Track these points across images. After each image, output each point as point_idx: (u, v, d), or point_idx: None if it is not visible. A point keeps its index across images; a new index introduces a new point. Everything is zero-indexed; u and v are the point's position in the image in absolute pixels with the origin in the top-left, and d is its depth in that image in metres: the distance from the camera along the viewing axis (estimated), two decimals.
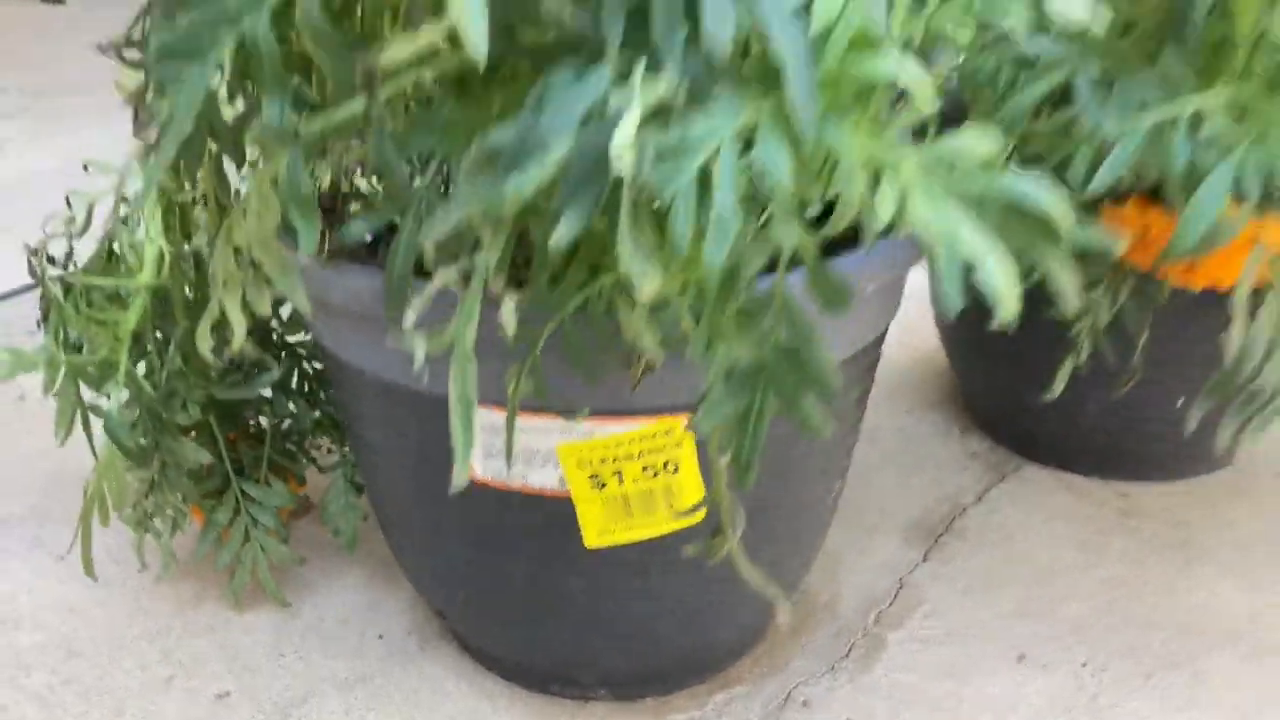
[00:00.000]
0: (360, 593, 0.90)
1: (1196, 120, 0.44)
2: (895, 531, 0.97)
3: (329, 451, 0.93)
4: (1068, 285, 0.37)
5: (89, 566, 0.77)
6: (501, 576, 0.72)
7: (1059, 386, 0.79)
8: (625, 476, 0.65)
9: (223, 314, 0.51)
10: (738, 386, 0.45)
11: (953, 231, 0.35)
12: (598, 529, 0.68)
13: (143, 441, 0.70)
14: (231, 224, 0.47)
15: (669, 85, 0.35)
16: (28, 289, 1.41)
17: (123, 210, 0.78)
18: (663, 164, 0.36)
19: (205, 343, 0.51)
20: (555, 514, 0.67)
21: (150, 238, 0.75)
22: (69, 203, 0.81)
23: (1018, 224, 0.38)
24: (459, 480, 0.43)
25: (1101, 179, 0.44)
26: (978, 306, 0.36)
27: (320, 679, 0.82)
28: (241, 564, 0.86)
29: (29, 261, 0.77)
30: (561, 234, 0.36)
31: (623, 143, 0.35)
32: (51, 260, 0.79)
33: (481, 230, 0.40)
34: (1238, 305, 0.48)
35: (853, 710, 0.79)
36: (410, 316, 0.43)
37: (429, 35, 0.36)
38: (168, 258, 0.75)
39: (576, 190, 0.36)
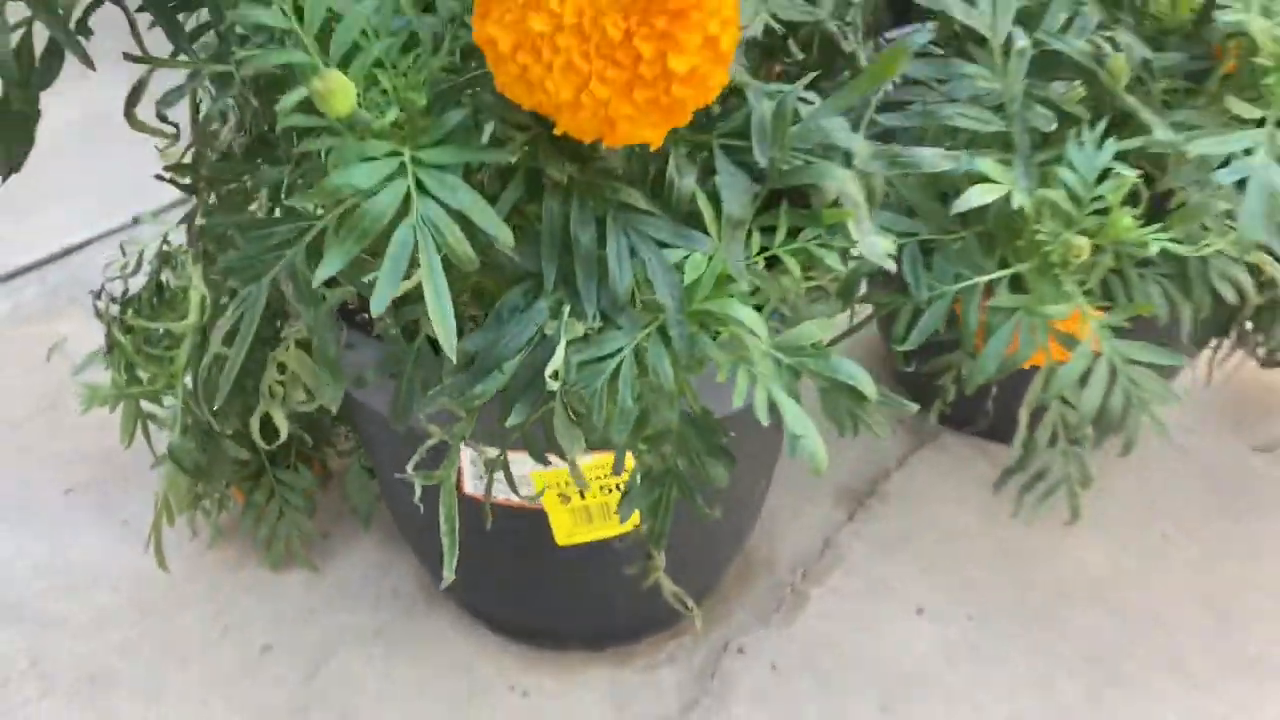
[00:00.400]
0: (375, 556, 1.08)
1: (989, 288, 0.59)
2: (827, 495, 1.14)
3: (346, 438, 1.09)
4: (879, 431, 0.54)
5: (162, 561, 0.95)
6: (492, 562, 0.90)
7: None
8: (586, 493, 0.82)
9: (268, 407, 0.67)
10: (650, 485, 0.61)
11: (783, 404, 0.51)
12: (566, 531, 0.85)
13: (198, 458, 0.87)
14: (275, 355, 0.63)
15: (587, 323, 0.51)
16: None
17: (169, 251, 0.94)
18: (584, 371, 0.52)
19: (256, 435, 0.67)
20: (532, 520, 0.84)
21: (194, 285, 0.90)
22: (123, 250, 0.96)
23: (840, 391, 0.54)
24: (448, 578, 0.60)
25: (916, 336, 0.59)
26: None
27: (345, 631, 1.01)
28: (277, 536, 1.04)
29: (94, 305, 0.93)
30: (512, 420, 0.52)
31: (555, 365, 0.50)
32: (113, 299, 0.95)
33: (458, 412, 0.56)
34: (1022, 416, 0.64)
35: (776, 656, 0.98)
36: (410, 464, 0.59)
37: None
38: (209, 302, 0.90)
39: (524, 392, 0.52)
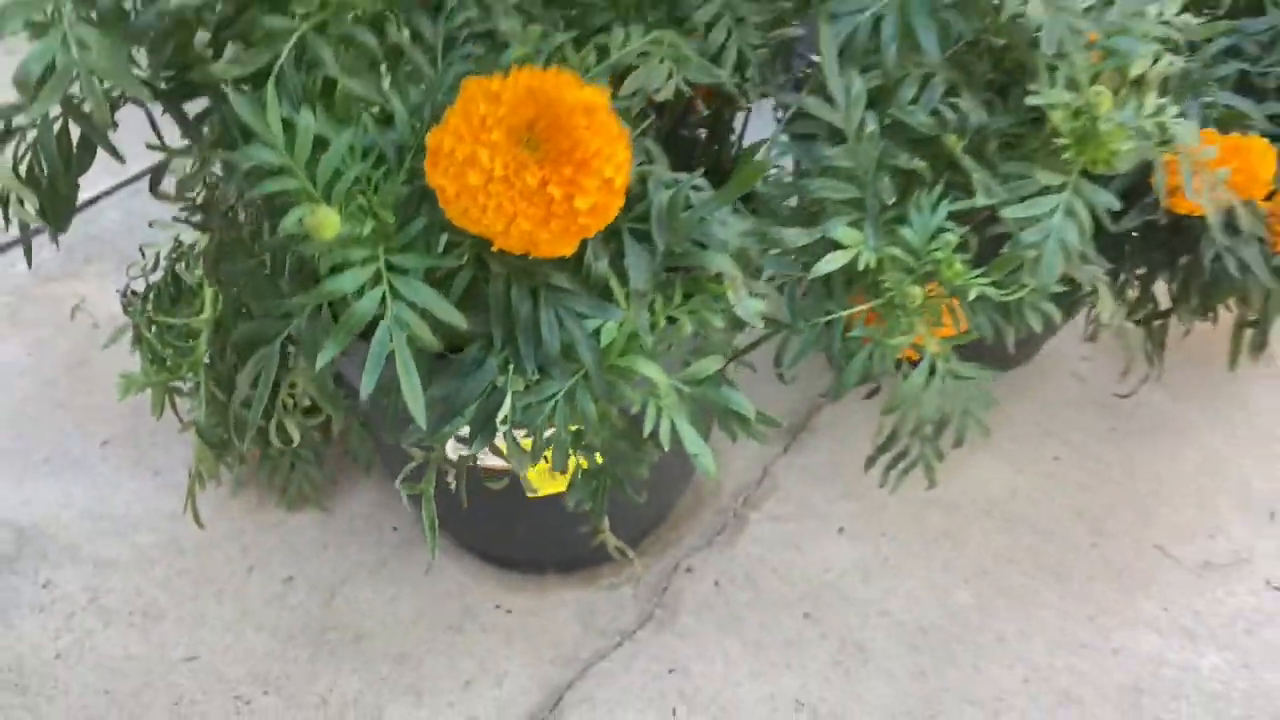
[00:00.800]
0: (376, 496, 1.25)
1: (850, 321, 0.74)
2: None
3: (346, 396, 1.25)
4: (759, 439, 0.70)
5: (198, 520, 1.12)
6: (480, 506, 1.07)
7: None
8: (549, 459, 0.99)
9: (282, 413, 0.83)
10: (588, 479, 0.78)
11: (683, 431, 0.67)
12: (535, 486, 1.02)
13: (223, 434, 1.04)
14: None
15: (527, 377, 0.66)
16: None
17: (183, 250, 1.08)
18: (527, 413, 0.67)
19: (274, 437, 0.83)
20: (511, 475, 1.00)
21: (208, 284, 1.05)
22: (142, 252, 1.11)
23: (729, 414, 0.71)
24: (431, 560, 0.76)
25: (791, 360, 0.75)
26: None
27: (354, 564, 1.19)
28: (291, 482, 1.21)
29: (121, 302, 1.08)
30: (474, 449, 0.68)
31: (504, 412, 0.66)
32: (135, 294, 1.10)
33: (432, 445, 0.72)
34: (881, 420, 0.79)
35: (719, 574, 1.16)
36: (399, 478, 0.75)
37: None
38: (220, 298, 1.05)
39: (480, 431, 0.68)
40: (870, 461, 0.81)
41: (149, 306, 1.07)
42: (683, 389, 0.71)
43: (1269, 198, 0.91)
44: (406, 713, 1.06)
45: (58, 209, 0.78)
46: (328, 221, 0.61)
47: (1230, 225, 0.86)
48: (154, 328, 1.06)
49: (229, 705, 1.07)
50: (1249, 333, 1.00)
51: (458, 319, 0.63)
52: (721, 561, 1.18)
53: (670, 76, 0.80)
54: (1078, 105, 0.70)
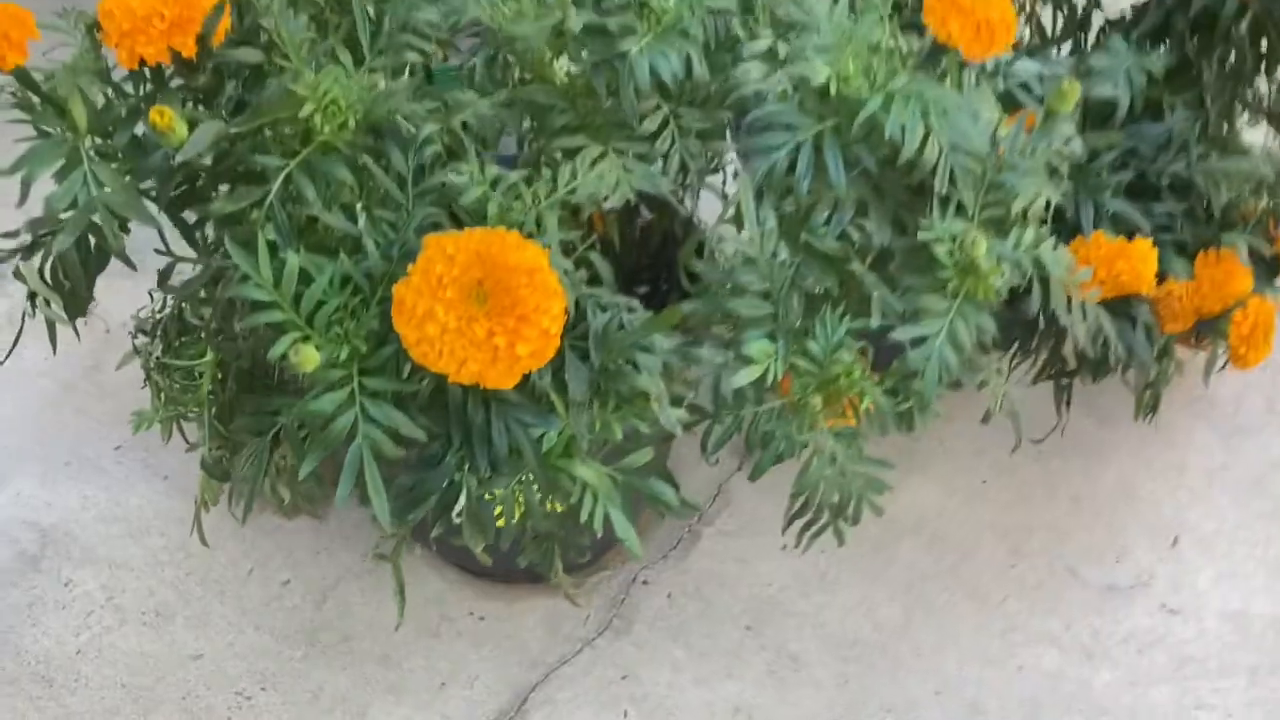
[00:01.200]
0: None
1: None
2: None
3: None
4: (683, 518, 0.82)
5: (203, 538, 1.25)
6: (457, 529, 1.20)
7: None
8: None
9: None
10: (538, 543, 0.90)
11: (615, 519, 0.80)
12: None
13: (226, 465, 1.16)
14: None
15: (480, 474, 0.78)
16: None
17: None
18: (481, 504, 0.80)
19: (269, 494, 0.95)
20: None
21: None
22: (151, 296, 1.22)
23: (656, 499, 0.83)
24: (400, 620, 0.89)
25: (713, 446, 0.87)
26: None
27: (344, 569, 1.32)
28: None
29: (132, 343, 1.19)
30: (434, 534, 0.81)
31: (459, 506, 0.78)
32: (144, 332, 1.21)
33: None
34: (790, 499, 0.91)
35: (672, 587, 1.29)
36: (370, 552, 0.87)
37: None
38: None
39: (441, 515, 0.80)
40: (786, 525, 0.94)
41: (156, 345, 1.18)
42: (616, 477, 0.83)
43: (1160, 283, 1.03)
44: (388, 710, 1.20)
45: (77, 305, 0.89)
46: (309, 357, 0.72)
47: (1117, 311, 0.97)
48: (161, 367, 1.17)
49: (231, 700, 1.21)
50: (1147, 393, 1.12)
51: (420, 435, 0.75)
52: (675, 575, 1.31)
53: (618, 185, 0.91)
54: (959, 241, 0.81)
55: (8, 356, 1.00)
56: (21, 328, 0.95)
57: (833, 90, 0.81)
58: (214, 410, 1.15)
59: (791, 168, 0.83)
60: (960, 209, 0.84)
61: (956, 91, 0.84)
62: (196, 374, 1.15)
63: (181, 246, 0.89)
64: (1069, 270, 0.84)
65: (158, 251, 0.87)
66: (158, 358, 1.16)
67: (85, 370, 1.56)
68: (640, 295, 1.20)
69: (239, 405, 0.95)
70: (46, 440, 1.47)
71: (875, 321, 0.82)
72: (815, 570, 1.31)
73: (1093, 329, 0.85)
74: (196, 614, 1.29)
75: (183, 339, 1.19)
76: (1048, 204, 0.87)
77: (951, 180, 0.82)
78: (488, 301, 0.71)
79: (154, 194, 0.83)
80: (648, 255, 1.20)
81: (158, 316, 1.22)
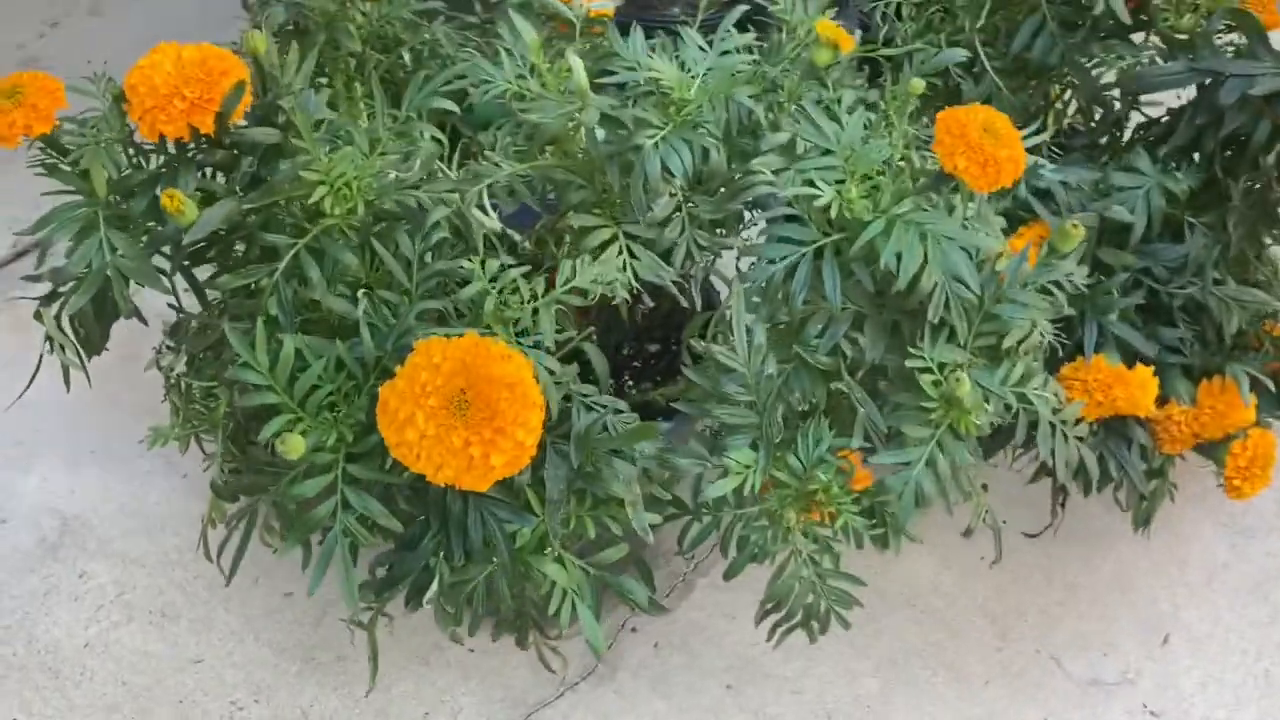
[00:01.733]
0: None
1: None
2: None
3: None
4: (655, 614, 0.84)
5: (208, 554, 1.29)
6: None
7: None
8: None
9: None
10: (509, 622, 0.93)
11: (582, 615, 0.82)
12: None
13: (235, 487, 1.19)
14: None
15: (454, 562, 0.81)
16: None
17: None
18: (453, 590, 0.82)
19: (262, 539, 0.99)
20: None
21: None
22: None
23: (625, 594, 0.85)
24: (371, 686, 0.92)
25: (690, 543, 0.88)
26: None
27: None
28: None
29: (156, 364, 1.23)
30: (408, 609, 0.83)
31: (431, 592, 0.81)
32: (169, 348, 1.25)
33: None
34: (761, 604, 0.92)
35: (660, 636, 1.32)
36: (349, 619, 0.91)
37: None
38: None
39: (416, 597, 0.83)
40: (758, 619, 0.95)
41: (180, 360, 1.22)
42: (589, 570, 0.85)
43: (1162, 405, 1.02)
44: None
45: (91, 349, 0.92)
46: (295, 446, 0.75)
47: (1113, 430, 0.97)
48: (181, 385, 1.21)
49: (225, 709, 1.26)
50: (1143, 504, 1.11)
51: (395, 525, 0.78)
52: (664, 624, 1.33)
53: (624, 270, 0.92)
54: (944, 372, 0.81)
55: (28, 387, 1.03)
56: (40, 360, 0.98)
57: (833, 213, 0.82)
58: (229, 431, 1.18)
59: (789, 277, 0.84)
60: (953, 335, 0.85)
61: (959, 221, 0.84)
62: (212, 397, 1.19)
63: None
64: (1056, 408, 0.84)
65: (170, 306, 0.91)
66: (179, 374, 1.19)
67: (120, 359, 1.59)
68: (651, 353, 1.22)
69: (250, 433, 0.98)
70: (76, 427, 1.52)
71: (856, 442, 0.83)
72: (799, 634, 1.32)
73: (1074, 463, 0.85)
74: (201, 618, 1.33)
75: (203, 355, 1.22)
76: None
77: (947, 306, 0.83)
78: (468, 411, 0.73)
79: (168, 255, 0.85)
80: (660, 314, 1.22)
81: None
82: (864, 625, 1.32)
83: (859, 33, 1.08)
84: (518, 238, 1.04)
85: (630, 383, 1.20)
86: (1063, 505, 1.17)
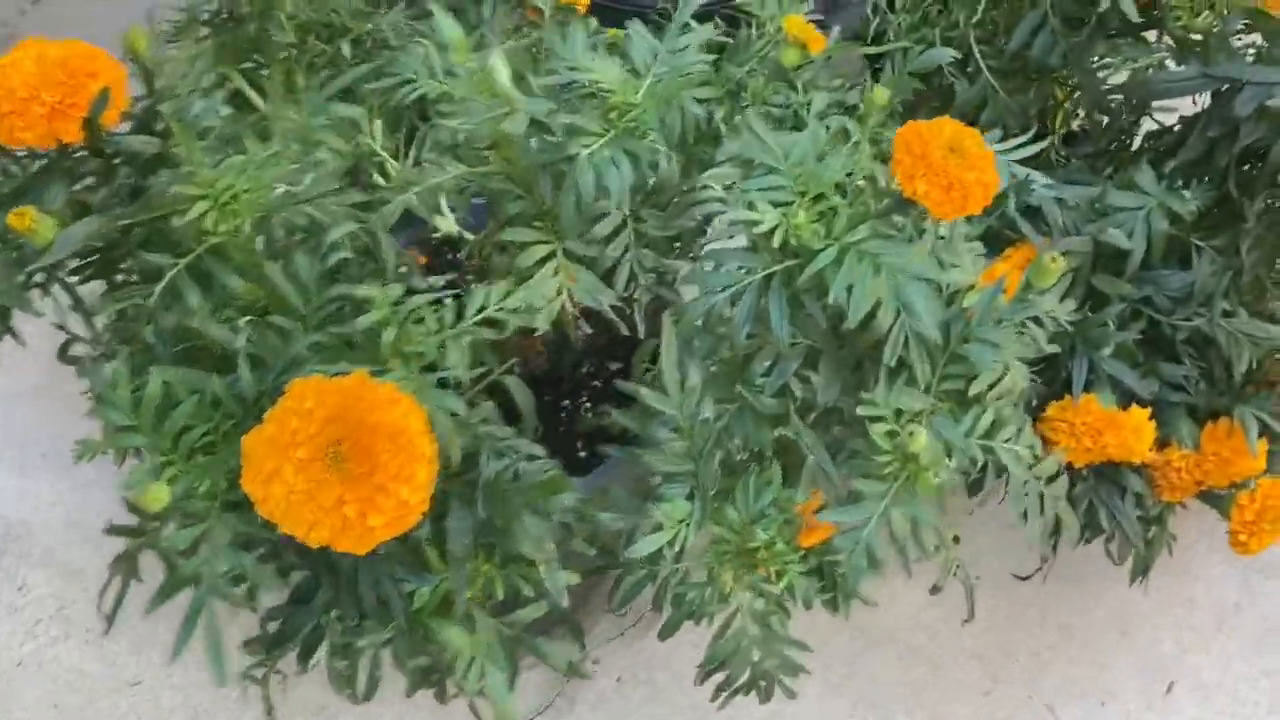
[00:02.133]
0: None
1: None
2: None
3: None
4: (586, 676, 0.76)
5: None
6: None
7: None
8: None
9: None
10: (423, 676, 0.84)
11: (492, 681, 0.74)
12: None
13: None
14: None
15: (346, 623, 0.73)
16: None
17: None
18: (348, 653, 0.74)
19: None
20: None
21: None
22: None
23: (545, 658, 0.76)
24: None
25: (620, 601, 0.80)
26: None
27: None
28: None
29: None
30: (298, 669, 0.75)
31: (319, 654, 0.73)
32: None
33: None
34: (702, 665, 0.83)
35: (622, 669, 1.23)
36: (245, 670, 0.83)
37: None
38: None
39: (308, 656, 0.75)
40: (699, 679, 0.86)
41: None
42: (504, 631, 0.77)
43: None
44: None
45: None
46: (156, 497, 0.67)
47: (1105, 477, 0.87)
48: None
49: None
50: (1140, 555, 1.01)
51: (269, 582, 0.69)
52: (628, 656, 1.24)
53: (559, 294, 0.83)
54: (899, 421, 0.72)
55: None
56: None
57: (777, 240, 0.72)
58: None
59: (733, 307, 0.74)
60: (914, 378, 0.75)
61: (924, 250, 0.74)
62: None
63: None
64: (1031, 463, 0.74)
65: (56, 326, 0.83)
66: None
67: None
68: (613, 371, 1.13)
69: None
70: (28, 428, 1.46)
71: (802, 495, 0.74)
72: None
73: (1048, 526, 0.76)
74: (141, 637, 1.26)
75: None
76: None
77: (907, 345, 0.73)
78: (344, 464, 0.64)
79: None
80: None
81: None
82: (841, 664, 1.24)
83: (837, 29, 0.98)
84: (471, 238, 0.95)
85: (588, 404, 1.11)
86: (1054, 549, 1.07)
